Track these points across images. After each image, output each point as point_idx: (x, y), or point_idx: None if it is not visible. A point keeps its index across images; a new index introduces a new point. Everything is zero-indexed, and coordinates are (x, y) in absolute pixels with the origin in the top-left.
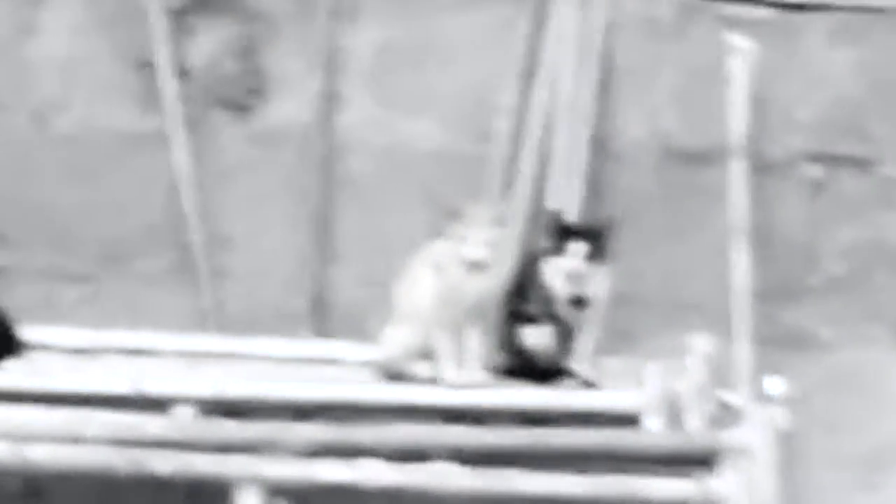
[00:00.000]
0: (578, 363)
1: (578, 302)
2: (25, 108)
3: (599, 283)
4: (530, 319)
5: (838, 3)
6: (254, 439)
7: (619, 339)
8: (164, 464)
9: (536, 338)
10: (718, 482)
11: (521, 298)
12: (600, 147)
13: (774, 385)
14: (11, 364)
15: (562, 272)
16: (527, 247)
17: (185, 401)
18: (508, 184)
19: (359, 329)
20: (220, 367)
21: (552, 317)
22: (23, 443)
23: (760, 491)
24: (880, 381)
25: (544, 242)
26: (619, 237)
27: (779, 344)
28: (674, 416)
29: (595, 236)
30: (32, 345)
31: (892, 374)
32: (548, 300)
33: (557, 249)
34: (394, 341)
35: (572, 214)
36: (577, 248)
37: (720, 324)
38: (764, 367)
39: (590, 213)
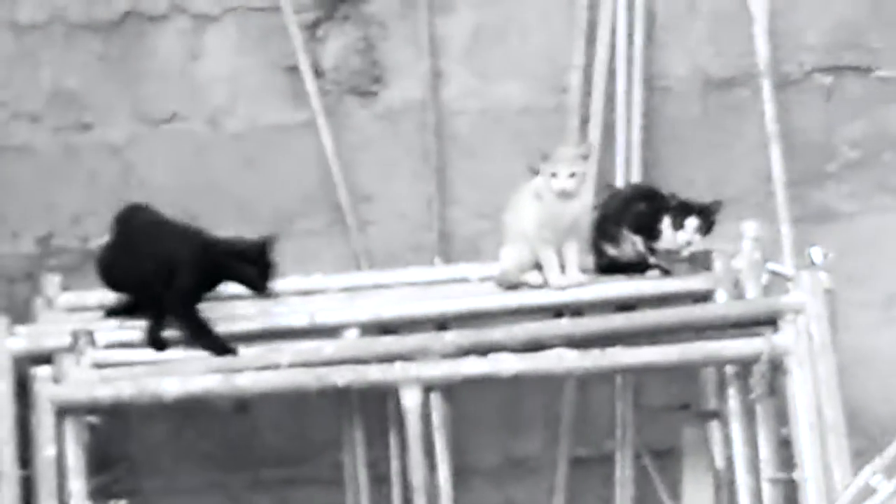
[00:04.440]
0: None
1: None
2: (201, 116)
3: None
4: (614, 239)
5: None
6: (408, 349)
7: None
8: (342, 377)
9: (621, 251)
10: (781, 337)
11: (607, 230)
12: (651, 85)
13: (817, 254)
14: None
15: (677, 241)
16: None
17: (351, 325)
18: (583, 126)
19: (477, 253)
20: (374, 295)
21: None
22: (230, 373)
23: (816, 340)
24: (893, 241)
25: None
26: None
27: (810, 221)
28: (738, 290)
29: (707, 212)
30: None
31: None
32: (644, 247)
33: (678, 224)
34: (507, 258)
35: (635, 144)
36: (692, 223)
37: (762, 211)
38: (800, 241)
39: (648, 142)
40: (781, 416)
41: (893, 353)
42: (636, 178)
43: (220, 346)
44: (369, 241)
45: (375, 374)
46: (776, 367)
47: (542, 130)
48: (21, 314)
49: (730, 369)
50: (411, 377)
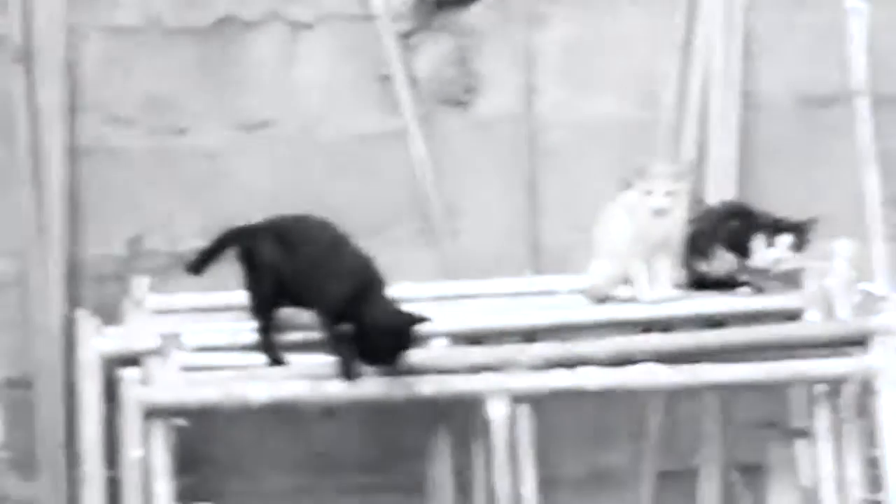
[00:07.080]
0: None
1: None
2: (294, 122)
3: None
4: (706, 255)
5: None
6: (496, 360)
7: None
8: (429, 386)
9: (712, 268)
10: (871, 358)
11: (699, 246)
12: (747, 102)
13: None
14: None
15: (769, 259)
16: (695, 193)
17: (440, 335)
18: (677, 142)
19: (567, 266)
20: (463, 306)
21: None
22: (319, 380)
23: None
24: None
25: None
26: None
27: None
28: (829, 309)
29: (800, 230)
30: None
31: None
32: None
33: (770, 241)
34: (598, 272)
35: (730, 161)
36: (785, 241)
37: (855, 230)
38: (893, 261)
39: (742, 158)
40: (871, 437)
41: None
42: (729, 194)
43: (350, 371)
44: (459, 251)
45: (462, 384)
46: (866, 388)
47: (635, 145)
48: (110, 315)
49: (819, 388)
50: (498, 388)
